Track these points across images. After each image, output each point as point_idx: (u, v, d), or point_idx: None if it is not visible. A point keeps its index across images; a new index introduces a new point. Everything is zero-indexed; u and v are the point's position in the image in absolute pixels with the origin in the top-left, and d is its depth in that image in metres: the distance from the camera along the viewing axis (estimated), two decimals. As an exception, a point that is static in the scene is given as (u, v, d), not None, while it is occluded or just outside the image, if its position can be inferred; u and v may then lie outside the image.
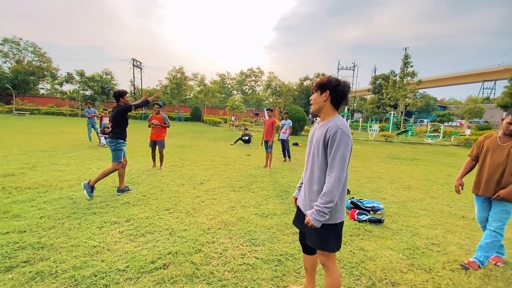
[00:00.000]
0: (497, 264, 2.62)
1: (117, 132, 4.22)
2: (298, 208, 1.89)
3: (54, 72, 40.05)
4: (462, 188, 2.88)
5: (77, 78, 35.48)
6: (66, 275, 2.10)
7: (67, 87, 38.24)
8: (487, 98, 51.21)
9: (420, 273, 2.42)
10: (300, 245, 2.65)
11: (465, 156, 2.94)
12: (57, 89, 39.90)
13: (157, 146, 6.15)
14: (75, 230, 2.88)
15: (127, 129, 4.38)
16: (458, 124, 37.89)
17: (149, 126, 6.14)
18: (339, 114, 1.68)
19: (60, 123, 18.86)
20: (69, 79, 36.12)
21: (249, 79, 54.22)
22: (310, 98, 1.72)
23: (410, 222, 3.65)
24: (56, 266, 2.22)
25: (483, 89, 54.28)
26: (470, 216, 3.97)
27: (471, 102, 35.38)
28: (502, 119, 2.55)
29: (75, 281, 2.05)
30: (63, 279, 2.06)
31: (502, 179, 2.43)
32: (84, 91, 35.09)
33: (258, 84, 54.49)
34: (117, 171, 4.22)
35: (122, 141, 4.26)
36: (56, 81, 39.25)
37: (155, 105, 6.16)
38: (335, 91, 1.59)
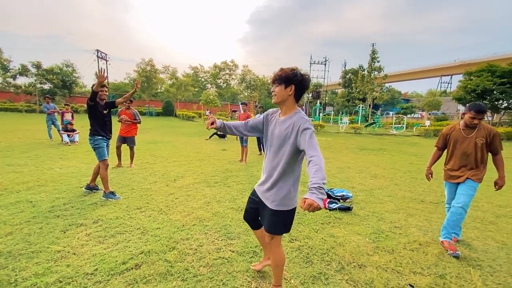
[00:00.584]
0: (449, 253, 2.66)
1: (91, 129, 3.95)
2: (254, 192, 1.92)
3: (5, 63, 35.93)
4: (432, 176, 3.10)
5: (33, 70, 32.26)
6: (27, 283, 1.96)
7: (21, 80, 34.66)
8: (444, 91, 55.75)
9: (384, 255, 2.61)
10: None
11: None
12: (10, 83, 36.03)
13: (127, 143, 5.87)
14: (36, 235, 2.68)
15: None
16: (419, 116, 40.84)
17: (119, 121, 5.84)
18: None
19: (15, 120, 17.17)
20: (23, 71, 32.67)
21: (223, 73, 53.38)
22: (272, 90, 1.71)
23: (376, 208, 3.91)
24: (16, 275, 2.06)
25: (441, 83, 58.90)
26: (428, 200, 4.35)
27: (430, 95, 38.30)
28: (463, 114, 2.80)
29: (38, 289, 1.92)
30: (24, 287, 1.92)
31: (470, 165, 2.76)
32: (41, 85, 32.13)
33: (232, 78, 53.90)
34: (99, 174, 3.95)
35: (100, 137, 3.97)
36: (9, 74, 35.32)
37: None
38: (300, 86, 1.64)
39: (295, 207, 1.73)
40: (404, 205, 4.09)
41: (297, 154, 1.65)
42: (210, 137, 12.04)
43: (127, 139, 5.89)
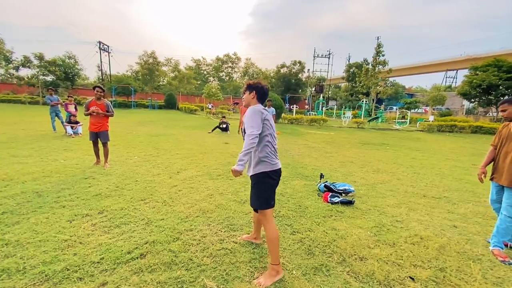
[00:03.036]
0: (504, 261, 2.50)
1: None
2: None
3: (8, 55, 35.92)
4: (485, 177, 2.86)
5: (36, 62, 32.19)
6: (35, 271, 2.02)
7: (24, 72, 34.68)
8: (449, 86, 55.10)
9: (385, 248, 2.64)
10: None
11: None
12: (13, 74, 36.07)
13: (100, 139, 5.15)
14: (43, 225, 2.74)
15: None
16: (423, 111, 40.51)
17: (86, 115, 5.02)
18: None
19: (19, 112, 17.27)
20: (26, 63, 32.61)
21: (226, 66, 53.03)
22: (242, 97, 2.34)
23: (378, 202, 3.93)
24: (24, 262, 2.11)
25: (446, 78, 58.17)
26: (430, 195, 4.36)
27: (435, 90, 37.85)
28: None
29: (46, 276, 1.97)
30: (32, 275, 1.97)
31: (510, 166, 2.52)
32: (44, 77, 32.10)
33: (235, 71, 53.57)
34: None
35: None
36: (11, 65, 35.34)
37: (97, 88, 5.02)
38: (259, 91, 2.21)
39: (264, 183, 2.11)
40: (405, 200, 4.10)
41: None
42: (212, 130, 12.05)
43: (100, 135, 5.11)
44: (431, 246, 2.71)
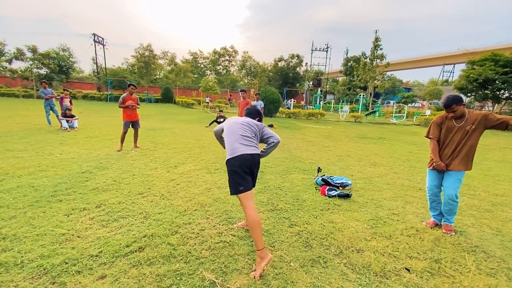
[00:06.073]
0: (447, 232, 2.91)
1: None
2: None
3: (0, 47, 35.24)
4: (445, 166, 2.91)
5: (29, 54, 31.58)
6: (34, 265, 2.01)
7: (17, 65, 34.10)
8: (446, 81, 55.17)
9: (381, 240, 2.67)
10: (274, 220, 2.85)
11: (424, 135, 3.17)
12: (6, 67, 35.39)
13: (133, 126, 6.22)
14: (40, 219, 2.72)
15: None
16: (420, 105, 40.65)
17: (122, 107, 5.99)
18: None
19: (13, 105, 17.00)
20: (19, 55, 31.99)
21: (223, 59, 52.44)
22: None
23: (374, 195, 3.96)
24: (22, 256, 2.11)
25: (443, 72, 58.22)
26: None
27: (432, 85, 37.93)
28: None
29: (44, 269, 1.97)
30: (30, 269, 1.97)
31: (454, 153, 2.79)
32: (38, 70, 31.55)
33: (232, 64, 53.00)
34: None
35: None
36: (4, 58, 34.65)
37: (131, 86, 6.08)
38: None
39: (229, 169, 2.22)
40: (402, 193, 4.14)
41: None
42: (210, 124, 11.99)
43: (134, 123, 6.23)
44: (426, 238, 2.75)
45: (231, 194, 2.21)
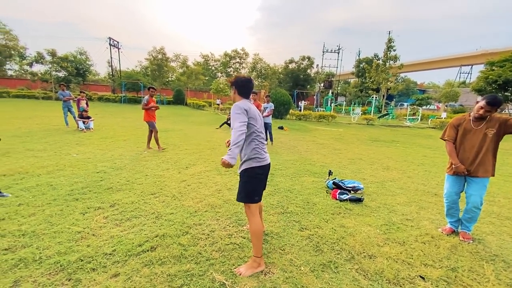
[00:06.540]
0: (464, 240, 2.79)
1: None
2: None
3: (21, 51, 36.85)
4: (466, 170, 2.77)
5: (48, 58, 32.90)
6: (51, 261, 2.09)
7: (37, 68, 35.52)
8: (463, 82, 53.37)
9: (395, 246, 2.61)
10: (284, 223, 2.84)
11: (440, 138, 3.08)
12: (27, 70, 37.02)
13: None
14: (57, 217, 2.82)
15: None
16: (436, 107, 39.47)
17: (145, 109, 6.32)
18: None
19: (33, 107, 17.74)
20: (39, 59, 33.38)
21: (234, 61, 52.83)
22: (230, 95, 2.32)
23: (387, 200, 3.88)
24: (40, 253, 2.19)
25: (460, 73, 56.33)
26: (442, 194, 4.24)
27: (448, 86, 36.79)
28: (477, 102, 2.70)
29: (61, 266, 2.04)
30: (48, 265, 2.04)
31: (477, 159, 2.66)
32: (57, 72, 32.79)
33: (243, 67, 53.27)
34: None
35: None
36: (25, 61, 36.25)
37: (151, 89, 6.46)
38: (237, 85, 2.22)
39: (250, 178, 2.13)
40: (416, 198, 4.03)
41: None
42: (220, 126, 12.10)
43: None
44: (442, 246, 2.66)
45: (244, 201, 2.13)
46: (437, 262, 2.38)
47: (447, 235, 2.90)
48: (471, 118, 2.74)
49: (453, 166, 2.79)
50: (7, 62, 37.66)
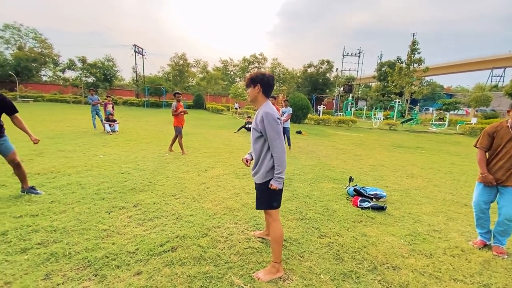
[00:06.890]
0: (498, 254, 2.62)
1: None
2: None
3: (55, 58, 39.68)
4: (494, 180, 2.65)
5: (79, 64, 35.17)
6: (79, 257, 2.20)
7: (69, 74, 38.11)
8: (495, 86, 50.06)
9: (421, 258, 2.48)
10: (302, 230, 2.79)
11: (470, 145, 2.92)
12: (60, 76, 39.76)
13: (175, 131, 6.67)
14: (85, 214, 2.97)
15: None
16: (465, 112, 37.30)
17: (177, 115, 6.49)
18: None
19: (64, 110, 18.94)
20: (71, 65, 35.81)
21: (252, 66, 53.36)
22: (247, 91, 2.07)
23: (412, 209, 3.70)
24: (69, 248, 2.31)
25: (491, 76, 52.96)
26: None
27: (479, 90, 34.64)
28: (508, 110, 2.55)
29: (88, 262, 2.14)
30: (77, 260, 2.15)
31: None
32: (86, 78, 34.90)
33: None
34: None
35: None
36: (58, 68, 39.05)
37: (177, 94, 6.66)
38: (264, 84, 2.00)
39: (273, 187, 1.98)
40: (444, 208, 3.81)
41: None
42: (238, 130, 12.21)
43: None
44: (474, 260, 2.49)
45: (264, 209, 2.12)
46: (468, 277, 2.23)
47: (479, 248, 2.72)
48: (508, 125, 2.57)
49: (480, 175, 2.65)
50: (42, 69, 40.66)
